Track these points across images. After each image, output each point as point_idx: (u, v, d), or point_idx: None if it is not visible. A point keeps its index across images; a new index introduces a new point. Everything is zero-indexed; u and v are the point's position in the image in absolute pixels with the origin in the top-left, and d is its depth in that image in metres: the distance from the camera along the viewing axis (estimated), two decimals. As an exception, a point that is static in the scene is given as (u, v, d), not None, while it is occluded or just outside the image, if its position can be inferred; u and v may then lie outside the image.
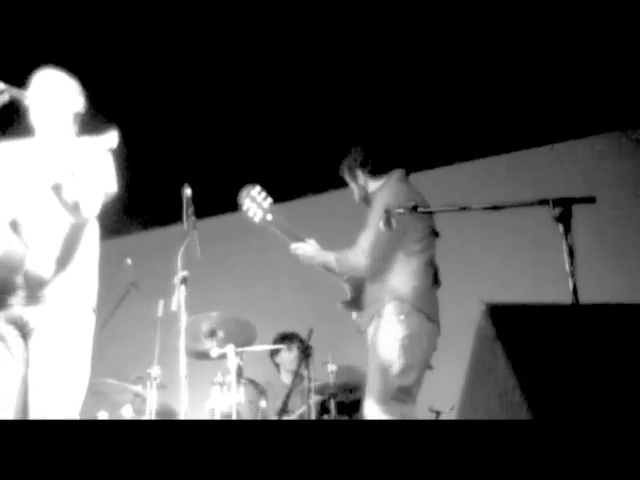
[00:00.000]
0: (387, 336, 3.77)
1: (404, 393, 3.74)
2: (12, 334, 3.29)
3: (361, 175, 4.18)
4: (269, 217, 4.05)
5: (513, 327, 1.56)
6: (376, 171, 4.17)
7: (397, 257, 3.92)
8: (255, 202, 4.07)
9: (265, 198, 4.07)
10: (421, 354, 3.79)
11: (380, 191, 4.07)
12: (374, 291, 3.93)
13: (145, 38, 5.55)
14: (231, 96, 5.99)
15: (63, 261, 3.34)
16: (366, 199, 4.18)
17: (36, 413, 3.16)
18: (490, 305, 1.54)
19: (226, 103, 6.02)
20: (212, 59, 5.76)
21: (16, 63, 3.53)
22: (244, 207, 4.11)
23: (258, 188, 4.10)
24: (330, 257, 4.06)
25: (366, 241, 3.90)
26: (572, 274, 2.50)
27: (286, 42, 5.64)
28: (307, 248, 4.07)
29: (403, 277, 3.90)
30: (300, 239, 4.09)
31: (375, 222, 3.69)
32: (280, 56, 5.73)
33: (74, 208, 3.23)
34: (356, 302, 4.06)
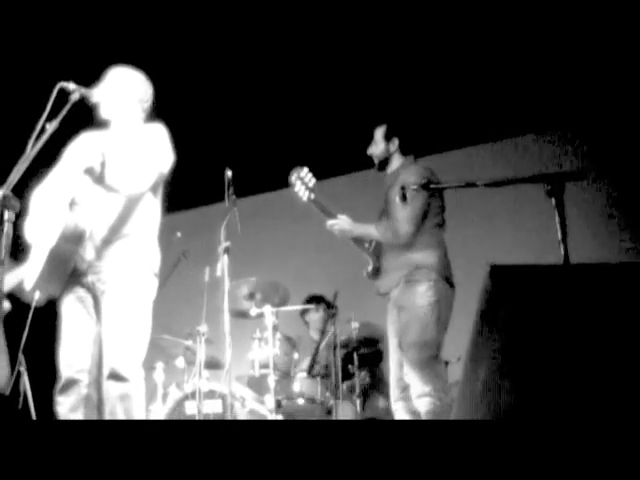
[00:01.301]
0: (421, 299, 3.77)
1: (439, 349, 3.76)
2: (87, 297, 3.37)
3: (393, 145, 4.12)
4: (312, 196, 4.02)
5: (511, 284, 1.59)
6: (403, 149, 4.13)
7: (425, 229, 3.91)
8: (303, 182, 4.01)
9: (310, 179, 4.02)
10: (445, 317, 3.81)
11: (405, 170, 4.02)
12: (401, 258, 3.90)
13: (184, 27, 5.49)
14: (262, 90, 5.92)
15: (119, 230, 3.38)
16: (382, 165, 4.14)
17: (108, 362, 3.23)
18: (492, 265, 1.58)
19: (259, 96, 5.95)
20: (248, 48, 5.65)
21: (85, 65, 3.56)
22: (295, 187, 4.04)
23: (306, 169, 4.04)
24: (370, 228, 4.02)
25: (404, 213, 3.84)
26: (564, 242, 2.53)
27: (321, 29, 5.52)
28: (343, 223, 4.03)
29: (430, 247, 3.89)
30: (335, 216, 4.04)
31: (411, 196, 3.66)
32: (313, 43, 5.60)
33: (109, 187, 3.27)
34: (378, 270, 4.08)
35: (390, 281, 3.97)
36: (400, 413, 3.84)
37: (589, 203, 5.62)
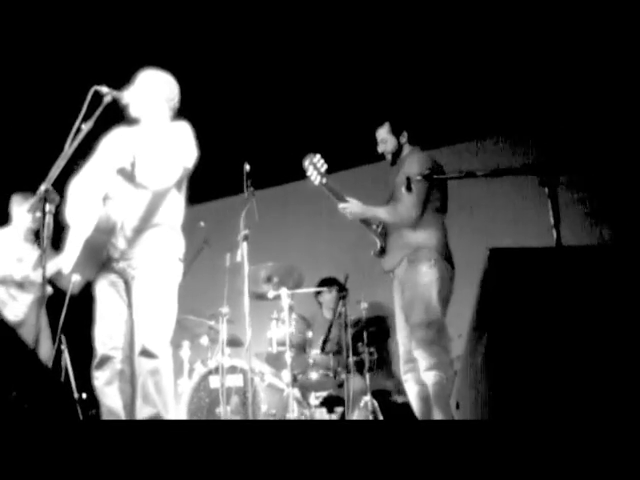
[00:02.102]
0: (423, 278, 3.78)
1: (443, 326, 3.76)
2: (119, 281, 3.41)
3: (403, 137, 4.10)
4: (324, 181, 4.01)
5: (509, 264, 1.61)
6: (411, 140, 4.12)
7: (427, 212, 3.91)
8: (315, 168, 4.00)
9: (322, 165, 4.01)
10: (447, 294, 3.81)
11: (409, 159, 4.01)
12: (404, 238, 3.91)
13: (202, 26, 5.42)
14: (279, 86, 5.87)
15: (147, 221, 3.40)
16: (395, 159, 4.12)
17: (140, 340, 3.28)
18: (492, 248, 1.61)
19: (273, 97, 5.92)
20: (264, 46, 5.58)
21: (117, 69, 3.58)
22: (307, 172, 4.03)
23: (318, 156, 4.02)
24: (379, 210, 4.02)
25: (409, 199, 3.83)
26: (556, 227, 2.55)
27: (336, 28, 5.43)
28: (353, 206, 4.01)
29: (431, 229, 3.90)
30: (345, 200, 4.03)
31: (416, 185, 3.67)
32: (329, 40, 5.52)
33: (138, 184, 3.31)
34: (384, 250, 4.08)
35: (393, 259, 3.98)
36: (410, 384, 3.87)
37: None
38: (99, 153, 3.54)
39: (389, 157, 4.15)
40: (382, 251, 4.09)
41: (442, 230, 3.96)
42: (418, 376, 3.77)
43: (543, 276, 1.58)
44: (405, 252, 3.90)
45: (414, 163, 3.91)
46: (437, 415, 3.63)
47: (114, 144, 3.48)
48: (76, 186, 3.52)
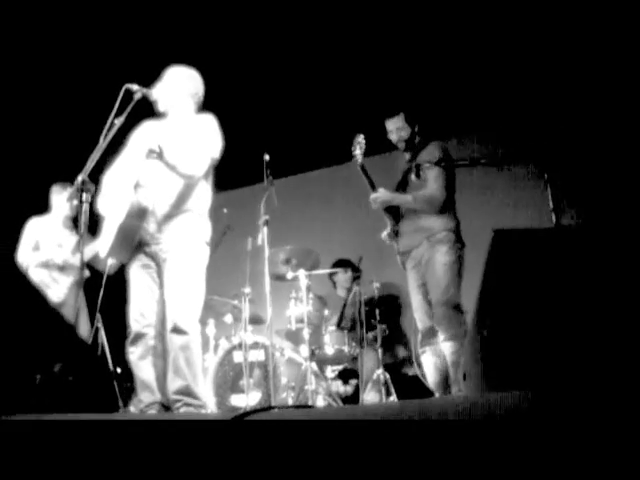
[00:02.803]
0: (444, 258, 3.79)
1: (460, 301, 3.78)
2: (151, 264, 3.45)
3: (417, 128, 4.09)
4: (361, 161, 4.03)
5: (512, 244, 1.63)
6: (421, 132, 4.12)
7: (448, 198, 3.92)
8: (360, 147, 4.03)
9: (364, 145, 4.02)
10: (462, 273, 3.83)
11: (429, 147, 3.99)
12: (424, 221, 3.91)
13: (222, 19, 5.33)
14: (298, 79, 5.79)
15: (177, 207, 3.43)
16: (409, 146, 4.09)
17: (171, 318, 3.32)
18: (496, 230, 1.62)
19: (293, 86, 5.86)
20: (283, 38, 5.48)
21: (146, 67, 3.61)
22: (354, 149, 4.03)
23: (362, 136, 4.04)
24: (406, 197, 3.99)
25: (435, 185, 3.86)
26: (555, 211, 2.56)
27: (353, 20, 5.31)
28: (383, 195, 4.01)
29: (450, 212, 3.92)
30: (375, 188, 4.03)
31: (440, 172, 3.67)
32: (342, 31, 5.40)
33: (172, 168, 3.32)
34: (396, 233, 4.09)
35: (412, 241, 3.96)
36: (427, 356, 3.89)
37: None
38: (130, 145, 3.57)
39: (402, 145, 4.13)
40: (395, 234, 4.09)
41: (457, 213, 3.98)
42: (436, 349, 3.80)
43: (544, 254, 1.60)
44: (425, 234, 3.89)
45: (435, 151, 3.91)
46: (453, 383, 3.67)
47: (143, 135, 3.51)
48: (109, 177, 3.56)
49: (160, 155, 3.26)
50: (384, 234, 4.15)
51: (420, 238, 3.92)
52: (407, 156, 4.13)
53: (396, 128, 4.09)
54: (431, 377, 3.88)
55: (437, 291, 3.79)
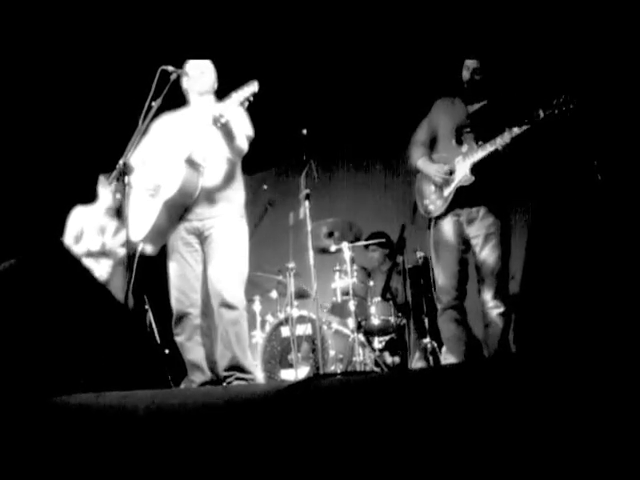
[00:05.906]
0: (490, 229, 3.66)
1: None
2: (194, 241, 3.50)
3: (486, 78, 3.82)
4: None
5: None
6: None
7: None
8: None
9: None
10: None
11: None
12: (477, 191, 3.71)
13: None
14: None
15: (220, 188, 3.49)
16: (469, 92, 3.86)
17: (219, 294, 3.36)
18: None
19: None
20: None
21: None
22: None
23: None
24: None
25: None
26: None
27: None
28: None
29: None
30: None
31: None
32: (375, 18, 5.39)
33: (232, 139, 3.36)
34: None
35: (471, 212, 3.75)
36: (444, 319, 3.75)
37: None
38: (152, 133, 3.58)
39: (468, 86, 3.86)
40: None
41: None
42: (454, 313, 3.71)
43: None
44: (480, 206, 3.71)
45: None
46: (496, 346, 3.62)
47: (168, 124, 3.58)
48: (139, 161, 3.57)
49: (225, 124, 3.26)
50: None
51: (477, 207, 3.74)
52: (461, 106, 3.91)
53: (473, 69, 3.86)
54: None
55: (496, 264, 3.67)
